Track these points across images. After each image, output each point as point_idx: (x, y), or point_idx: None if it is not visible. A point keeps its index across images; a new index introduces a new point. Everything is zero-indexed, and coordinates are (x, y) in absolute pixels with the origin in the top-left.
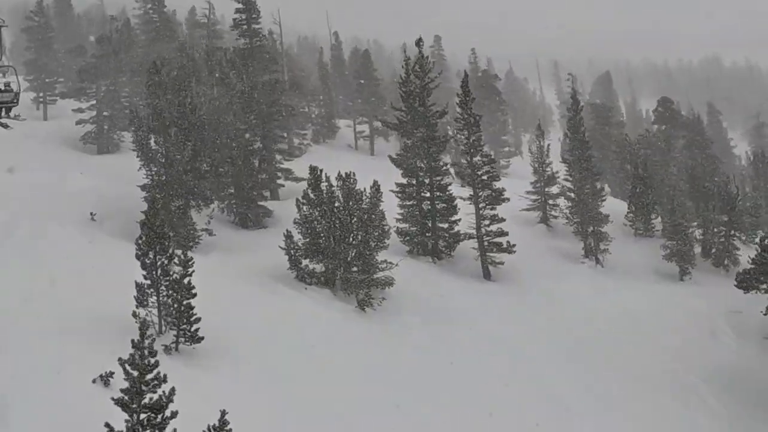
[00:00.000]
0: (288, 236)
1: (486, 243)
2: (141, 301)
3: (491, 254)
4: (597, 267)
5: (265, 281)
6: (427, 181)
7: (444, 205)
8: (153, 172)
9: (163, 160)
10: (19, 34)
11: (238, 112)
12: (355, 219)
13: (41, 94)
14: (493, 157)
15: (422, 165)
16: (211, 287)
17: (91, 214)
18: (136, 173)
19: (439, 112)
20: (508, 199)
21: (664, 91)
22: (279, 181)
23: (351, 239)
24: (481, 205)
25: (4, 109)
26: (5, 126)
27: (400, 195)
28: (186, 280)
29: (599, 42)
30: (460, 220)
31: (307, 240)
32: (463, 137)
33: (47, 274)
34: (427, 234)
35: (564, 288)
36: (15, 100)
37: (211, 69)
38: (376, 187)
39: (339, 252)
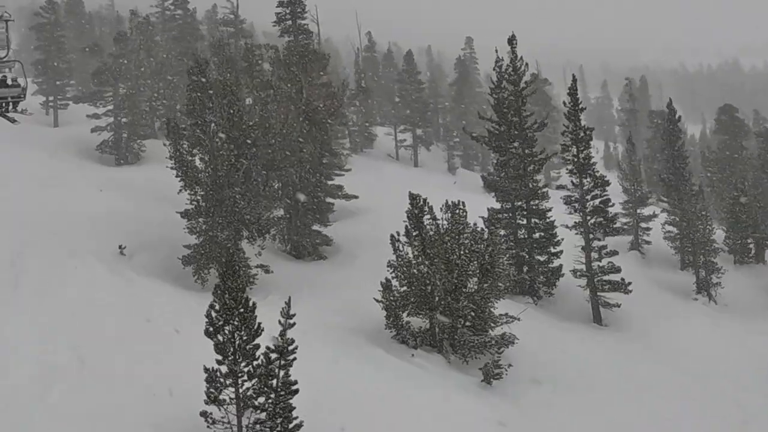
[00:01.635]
0: (386, 287)
1: (595, 280)
2: (213, 396)
3: (602, 293)
4: (710, 304)
5: (355, 343)
6: (521, 204)
7: (542, 234)
8: (200, 197)
9: (210, 181)
10: (27, 33)
11: (296, 120)
12: (473, 263)
13: (51, 98)
14: (607, 178)
15: (517, 186)
16: None
17: (120, 247)
18: (163, 190)
19: (539, 123)
20: (624, 228)
21: (685, 97)
22: (328, 200)
23: (466, 289)
24: (590, 236)
25: (11, 104)
26: (12, 120)
27: (492, 223)
28: (283, 372)
29: (611, 43)
30: (561, 252)
31: (406, 289)
32: (570, 154)
33: (70, 341)
34: (524, 269)
35: (689, 334)
36: (22, 95)
37: (251, 70)
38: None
39: (453, 306)
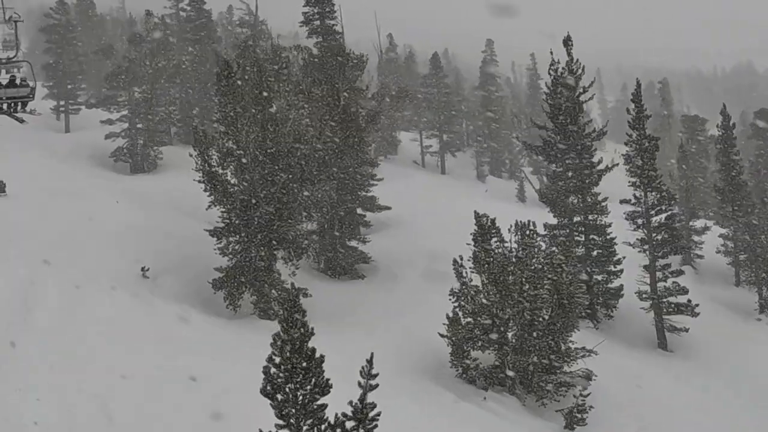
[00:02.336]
0: (453, 320)
1: (661, 303)
2: None
3: (666, 317)
4: None
5: (419, 384)
6: (579, 219)
7: (600, 251)
8: (233, 215)
9: (242, 197)
10: (37, 35)
11: (334, 129)
12: (545, 291)
13: (62, 103)
14: (674, 193)
15: (575, 200)
16: (343, 395)
17: (143, 269)
18: (184, 201)
19: (598, 132)
20: (691, 248)
21: (701, 99)
22: (362, 212)
23: (541, 321)
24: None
25: (20, 104)
26: (21, 121)
27: (546, 239)
28: None
29: (615, 44)
30: (621, 271)
31: (470, 320)
32: (634, 165)
33: (93, 391)
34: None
35: (764, 361)
36: (31, 95)
37: (279, 73)
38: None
39: (527, 340)
